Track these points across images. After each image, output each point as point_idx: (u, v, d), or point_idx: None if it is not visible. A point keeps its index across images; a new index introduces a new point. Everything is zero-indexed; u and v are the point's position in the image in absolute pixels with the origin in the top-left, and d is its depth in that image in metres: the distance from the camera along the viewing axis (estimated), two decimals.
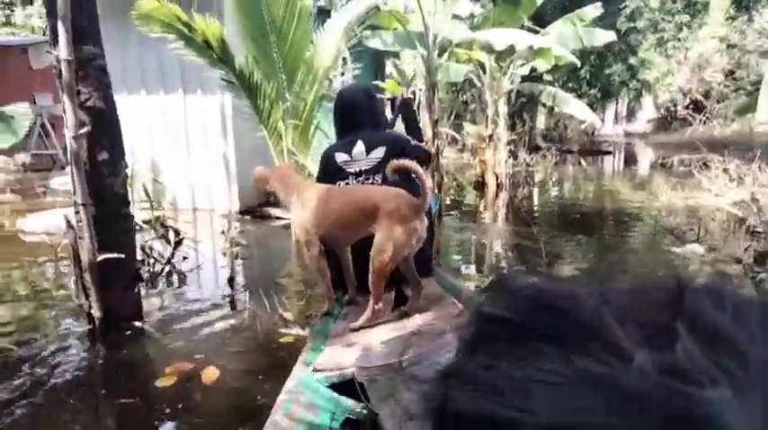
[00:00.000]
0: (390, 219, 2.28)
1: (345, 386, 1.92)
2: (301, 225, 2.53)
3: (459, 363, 0.34)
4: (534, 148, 18.70)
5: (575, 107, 9.49)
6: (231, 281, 3.88)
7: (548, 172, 12.42)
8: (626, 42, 13.35)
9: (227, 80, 5.32)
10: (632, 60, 16.69)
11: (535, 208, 8.65)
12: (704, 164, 10.22)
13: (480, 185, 9.36)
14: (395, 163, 2.29)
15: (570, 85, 15.85)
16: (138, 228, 4.39)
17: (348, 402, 1.91)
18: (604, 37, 8.89)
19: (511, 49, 7.33)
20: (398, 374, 1.65)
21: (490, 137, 9.12)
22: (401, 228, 2.26)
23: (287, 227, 5.56)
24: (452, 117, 16.49)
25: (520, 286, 0.36)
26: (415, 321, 2.30)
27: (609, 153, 18.99)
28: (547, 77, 17.64)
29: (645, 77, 18.98)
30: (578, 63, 7.54)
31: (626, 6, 10.88)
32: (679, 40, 13.89)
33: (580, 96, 16.30)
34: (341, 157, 2.73)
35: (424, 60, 7.60)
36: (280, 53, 5.05)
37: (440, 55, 7.68)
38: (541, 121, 22.98)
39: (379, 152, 2.69)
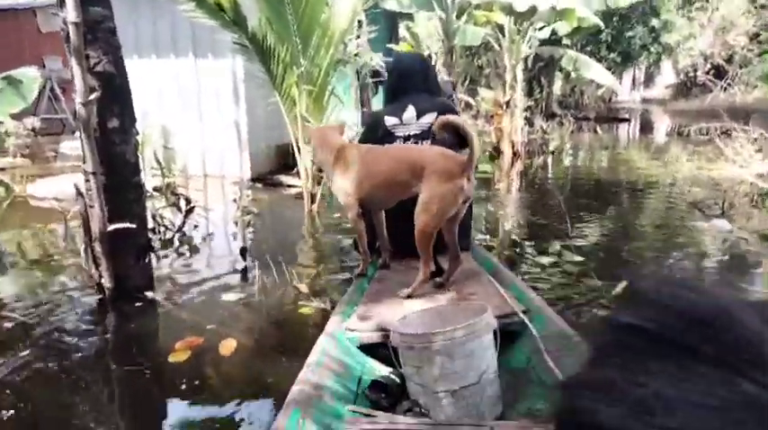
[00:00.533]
0: (437, 177, 2.24)
1: (375, 349, 1.92)
2: (341, 186, 2.54)
3: (594, 373, 0.33)
4: (550, 115, 18.38)
5: (596, 72, 9.21)
6: (243, 251, 3.80)
7: (564, 140, 12.16)
8: (649, 3, 12.88)
9: (239, 43, 5.15)
10: (654, 22, 16.15)
11: (553, 177, 8.47)
12: (725, 133, 9.94)
13: (496, 154, 9.17)
14: (442, 118, 2.29)
15: (589, 48, 15.39)
16: (148, 195, 4.31)
17: (378, 365, 1.92)
18: None
19: (533, 10, 7.06)
20: (433, 346, 1.64)
21: (507, 103, 8.89)
22: (447, 186, 2.22)
23: (299, 195, 5.46)
24: (467, 82, 16.18)
25: (663, 295, 0.34)
26: (451, 294, 2.27)
27: (626, 120, 18.60)
28: (566, 41, 17.22)
29: (666, 41, 18.42)
30: (602, 25, 7.27)
31: None
32: (707, 0, 13.35)
33: (599, 61, 15.87)
34: (390, 121, 2.73)
35: (441, 22, 7.35)
36: (294, 15, 4.86)
37: (458, 17, 7.42)
38: (558, 87, 22.53)
39: (430, 118, 2.68)
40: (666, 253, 4.36)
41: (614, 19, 12.23)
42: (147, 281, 3.25)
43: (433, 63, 3.21)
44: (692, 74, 26.06)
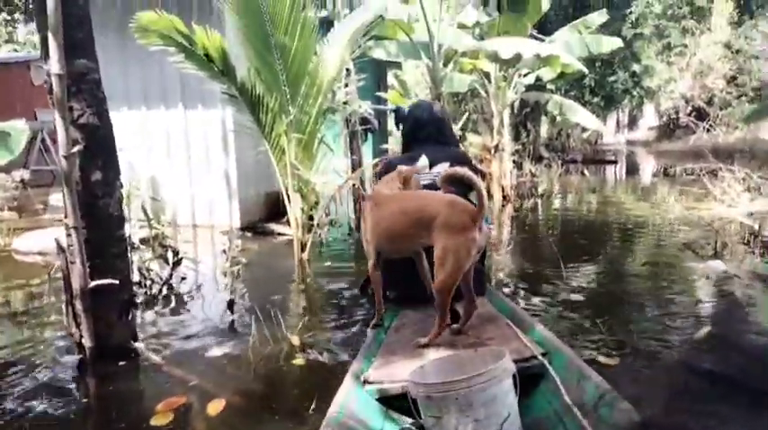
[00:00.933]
0: (447, 230, 2.20)
1: (395, 400, 1.90)
2: (363, 233, 2.60)
3: (670, 418, 0.37)
4: (538, 158, 18.57)
5: (581, 116, 9.31)
6: (231, 304, 3.66)
7: (553, 182, 12.21)
8: (630, 49, 13.21)
9: (228, 94, 5.14)
10: (635, 67, 16.54)
11: (544, 220, 8.44)
12: (712, 172, 10.02)
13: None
14: (448, 171, 2.28)
15: (573, 93, 15.69)
16: (135, 247, 4.19)
17: (398, 417, 1.90)
18: (611, 44, 8.72)
19: (518, 57, 7.15)
20: (452, 395, 1.63)
21: (495, 148, 8.93)
22: (459, 239, 2.17)
23: (289, 243, 5.36)
24: (455, 127, 16.37)
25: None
26: (469, 340, 2.24)
27: (613, 162, 18.79)
28: (550, 87, 17.57)
29: (648, 85, 18.83)
30: (586, 71, 7.37)
31: (631, 12, 10.72)
32: (685, 46, 13.71)
33: (584, 105, 16.15)
34: (451, 170, 2.71)
35: (429, 70, 7.43)
36: (283, 65, 4.87)
37: (445, 65, 7.51)
38: (544, 131, 22.84)
39: (443, 167, 2.67)
40: (663, 294, 4.27)
41: (597, 65, 12.49)
42: (131, 338, 3.10)
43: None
44: (674, 116, 26.56)
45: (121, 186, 3.04)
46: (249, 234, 6.79)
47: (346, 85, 6.46)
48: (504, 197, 9.05)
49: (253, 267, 5.42)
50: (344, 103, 6.47)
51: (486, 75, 9.04)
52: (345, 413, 1.76)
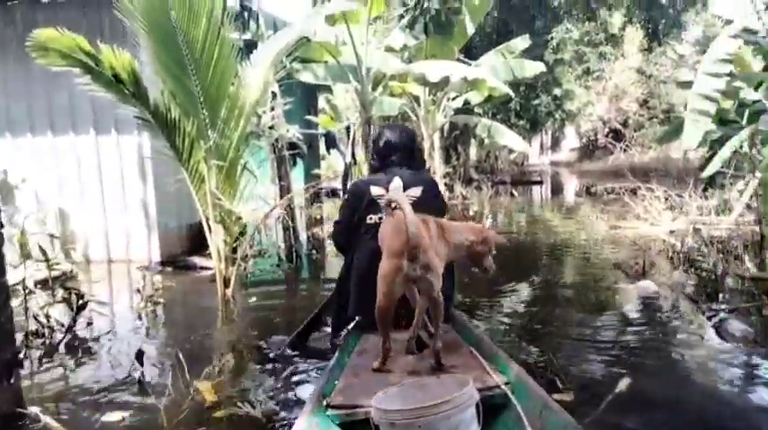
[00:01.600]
0: (385, 253, 2.21)
1: (357, 426, 1.88)
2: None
3: None
4: (468, 181, 18.78)
5: (509, 138, 9.38)
6: (140, 355, 3.20)
7: (483, 204, 12.28)
8: (552, 74, 13.62)
9: (141, 118, 4.71)
10: (557, 91, 17.10)
11: None
12: (632, 191, 10.33)
13: None
14: (386, 196, 2.33)
15: (500, 116, 16.01)
16: (28, 292, 3.69)
17: None
18: (534, 68, 8.86)
19: (446, 81, 7.09)
20: (415, 422, 1.64)
21: (427, 171, 8.81)
22: (389, 264, 2.16)
23: (214, 278, 4.95)
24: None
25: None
26: (432, 367, 2.22)
27: (539, 183, 19.27)
28: (478, 110, 17.83)
29: (569, 108, 19.52)
30: (512, 94, 7.40)
31: (552, 38, 11.03)
32: (602, 71, 14.32)
33: (510, 128, 16.49)
34: (376, 191, 2.71)
35: (357, 94, 7.23)
36: (200, 87, 4.50)
37: (374, 88, 7.34)
38: (473, 153, 23.23)
39: (416, 191, 2.69)
40: (594, 316, 4.18)
41: (521, 88, 12.76)
42: (16, 404, 2.63)
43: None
44: (593, 137, 27.77)
45: (2, 226, 2.59)
46: (170, 269, 6.29)
47: (272, 109, 6.16)
48: None
49: (172, 306, 4.97)
50: (270, 127, 6.15)
51: (416, 98, 8.97)
52: None
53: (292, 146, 6.64)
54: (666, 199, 8.04)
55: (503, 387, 2.00)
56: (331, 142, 8.54)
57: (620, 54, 18.04)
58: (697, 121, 8.76)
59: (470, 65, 8.21)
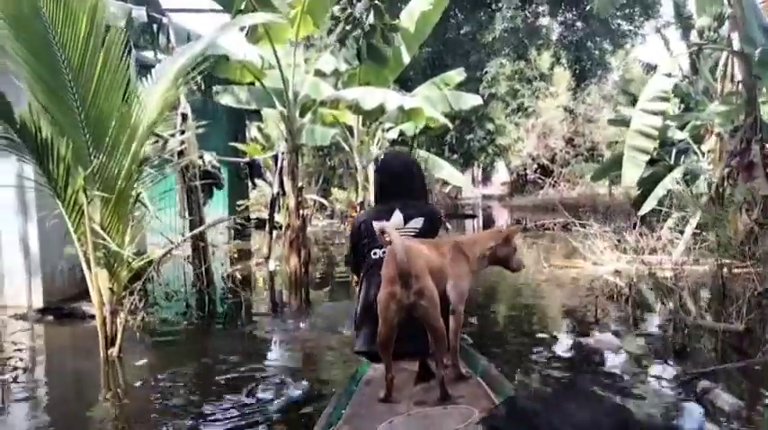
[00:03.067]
0: (384, 280, 2.19)
1: None
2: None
3: None
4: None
5: (446, 172, 8.83)
6: None
7: None
8: (485, 108, 13.38)
9: (5, 137, 3.74)
10: (490, 126, 16.97)
11: None
12: (564, 226, 10.01)
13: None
14: (376, 226, 2.32)
15: (434, 150, 15.64)
16: None
17: None
18: (472, 101, 8.39)
19: (380, 109, 6.44)
20: None
21: (361, 204, 8.09)
22: (384, 290, 2.15)
23: None
24: (320, 182, 15.50)
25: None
26: (438, 398, 2.14)
27: (473, 216, 18.98)
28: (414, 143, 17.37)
29: (501, 142, 19.51)
30: (450, 125, 6.85)
31: (486, 72, 10.72)
32: (533, 109, 14.24)
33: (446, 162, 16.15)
34: (378, 226, 2.53)
35: (284, 120, 6.45)
36: (80, 101, 3.60)
37: (302, 114, 6.59)
38: None
39: (417, 223, 2.65)
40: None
41: (456, 122, 12.40)
42: None
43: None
44: (522, 172, 28.07)
45: None
46: (51, 317, 5.18)
47: (182, 132, 5.27)
48: None
49: (47, 367, 3.93)
50: (180, 152, 5.26)
51: (350, 128, 8.28)
52: None
53: (207, 175, 5.76)
54: (620, 241, 7.63)
55: None
56: (255, 171, 7.68)
57: (549, 93, 18.23)
58: (635, 158, 8.56)
59: (406, 95, 7.62)
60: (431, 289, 2.15)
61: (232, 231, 10.79)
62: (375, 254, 2.61)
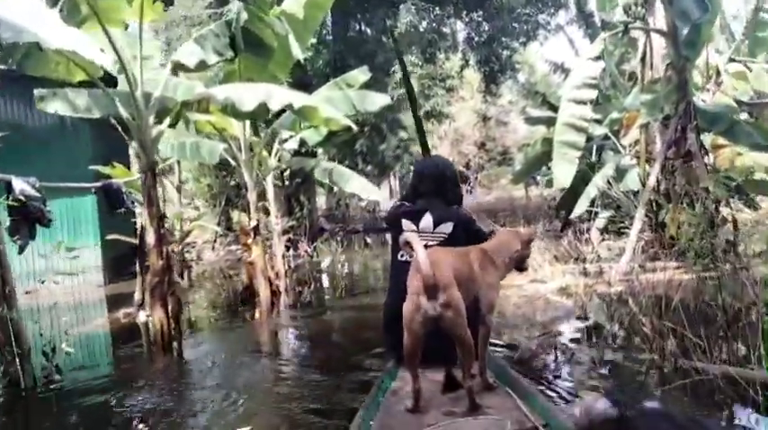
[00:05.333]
0: (408, 292, 2.17)
1: None
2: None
3: None
4: (320, 231, 16.67)
5: (358, 184, 7.39)
6: None
7: (335, 259, 10.18)
8: (397, 114, 12.18)
9: None
10: (403, 134, 15.83)
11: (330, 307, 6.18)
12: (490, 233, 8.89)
13: (249, 297, 6.57)
14: (402, 238, 2.31)
15: (346, 162, 14.25)
16: None
17: None
18: (379, 100, 7.01)
19: (263, 109, 4.91)
20: None
21: (255, 229, 6.48)
22: (409, 303, 2.12)
23: None
24: (222, 204, 13.67)
25: None
26: (468, 409, 2.11)
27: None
28: (322, 155, 15.87)
29: (415, 150, 18.49)
30: (354, 126, 5.45)
31: (394, 72, 9.49)
32: (447, 114, 13.24)
33: (358, 173, 14.75)
34: (407, 225, 2.69)
35: (133, 130, 4.78)
36: None
37: (159, 121, 4.93)
38: (323, 202, 21.23)
39: (447, 227, 2.65)
40: None
41: (366, 130, 11.10)
42: None
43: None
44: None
45: None
46: None
47: None
48: (273, 292, 6.56)
49: None
50: None
51: (236, 139, 6.68)
52: None
53: (19, 208, 4.02)
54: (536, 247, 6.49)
55: (540, 428, 1.92)
56: (114, 199, 5.89)
57: (460, 97, 17.41)
58: (566, 155, 7.50)
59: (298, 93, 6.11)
60: (457, 300, 2.10)
61: (106, 272, 8.82)
62: (402, 256, 2.63)
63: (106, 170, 7.30)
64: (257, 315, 6.18)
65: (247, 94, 4.90)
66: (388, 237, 15.44)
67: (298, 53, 6.46)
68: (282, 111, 5.94)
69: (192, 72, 5.20)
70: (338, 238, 14.43)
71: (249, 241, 6.53)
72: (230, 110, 5.14)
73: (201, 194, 15.39)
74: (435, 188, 2.77)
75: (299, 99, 5.16)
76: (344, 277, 8.78)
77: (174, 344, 4.79)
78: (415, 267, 2.12)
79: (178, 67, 5.04)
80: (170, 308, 4.77)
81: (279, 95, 5.04)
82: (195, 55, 5.06)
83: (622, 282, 5.56)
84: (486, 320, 2.31)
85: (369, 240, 16.00)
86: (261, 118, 5.68)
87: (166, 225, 8.40)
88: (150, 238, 4.81)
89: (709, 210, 6.43)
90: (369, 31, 10.87)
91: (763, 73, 9.56)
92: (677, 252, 6.05)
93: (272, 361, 4.47)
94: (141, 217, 6.50)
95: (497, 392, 2.29)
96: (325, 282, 8.86)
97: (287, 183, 11.92)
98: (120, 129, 4.89)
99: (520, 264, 2.55)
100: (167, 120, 4.93)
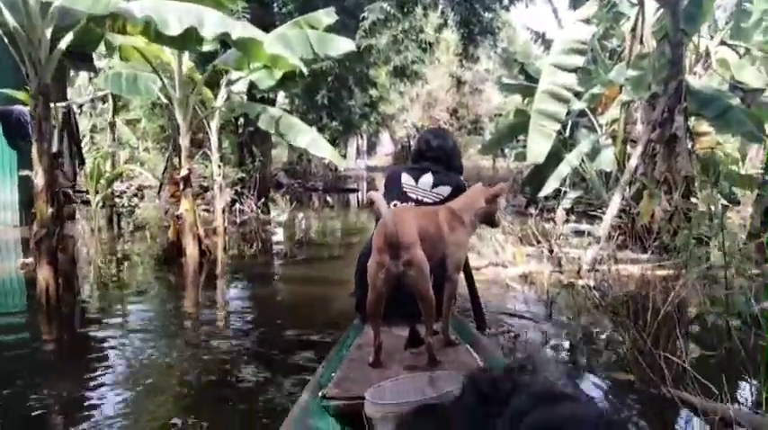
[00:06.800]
0: (372, 249, 2.16)
1: (351, 418, 1.84)
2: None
3: None
4: (276, 186, 15.69)
5: (310, 139, 6.48)
6: None
7: (289, 218, 9.33)
8: (365, 69, 11.16)
9: None
10: (372, 92, 14.80)
11: (270, 279, 5.38)
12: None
13: (175, 255, 5.68)
14: (367, 195, 2.35)
15: (311, 116, 13.20)
16: None
17: None
18: (343, 45, 6.07)
19: (193, 35, 3.97)
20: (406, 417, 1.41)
21: (185, 180, 5.56)
22: (372, 260, 2.13)
23: None
24: (172, 147, 12.52)
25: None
26: (428, 364, 2.15)
27: (355, 191, 16.92)
28: (286, 108, 14.76)
29: (384, 111, 17.52)
30: (304, 69, 4.55)
31: (365, 18, 8.45)
32: (418, 74, 12.31)
33: (321, 129, 13.72)
34: (406, 179, 2.76)
35: (21, 44, 3.77)
36: None
37: (57, 39, 3.93)
38: (285, 155, 20.11)
39: (444, 190, 2.72)
40: None
41: (329, 80, 10.08)
42: None
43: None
44: (407, 143, 26.47)
45: None
46: None
47: None
48: (201, 252, 5.71)
49: None
50: None
51: (169, 73, 5.68)
52: (300, 424, 1.76)
53: None
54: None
55: None
56: (16, 130, 4.87)
57: (435, 58, 16.43)
58: (543, 127, 6.73)
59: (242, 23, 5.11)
60: (420, 259, 2.11)
61: (23, 211, 7.76)
62: (396, 205, 2.66)
63: (20, 95, 6.19)
64: (179, 277, 5.34)
65: (173, 15, 3.94)
66: (352, 197, 14.57)
67: None
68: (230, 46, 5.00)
69: None
70: (295, 195, 13.55)
71: (176, 192, 5.63)
72: (153, 33, 4.17)
73: (154, 135, 14.16)
74: (440, 155, 2.84)
75: (239, 29, 4.22)
76: (296, 240, 7.98)
77: (64, 309, 3.94)
78: (379, 225, 2.15)
79: None
80: (58, 266, 3.89)
81: (213, 21, 4.10)
82: None
83: (591, 272, 4.94)
84: (452, 278, 2.34)
85: (330, 200, 15.19)
86: (191, 47, 4.70)
87: (89, 164, 7.41)
88: (39, 180, 3.88)
89: (689, 201, 5.85)
90: None
91: (747, 64, 9.01)
92: (653, 245, 5.45)
93: (168, 344, 3.59)
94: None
95: (458, 349, 2.33)
96: (274, 244, 8.01)
97: (240, 130, 10.87)
98: (6, 41, 3.85)
99: (488, 221, 2.53)
100: (68, 37, 3.91)
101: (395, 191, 2.72)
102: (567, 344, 3.43)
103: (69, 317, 3.99)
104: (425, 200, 2.69)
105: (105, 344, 3.45)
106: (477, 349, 2.32)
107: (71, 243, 4.03)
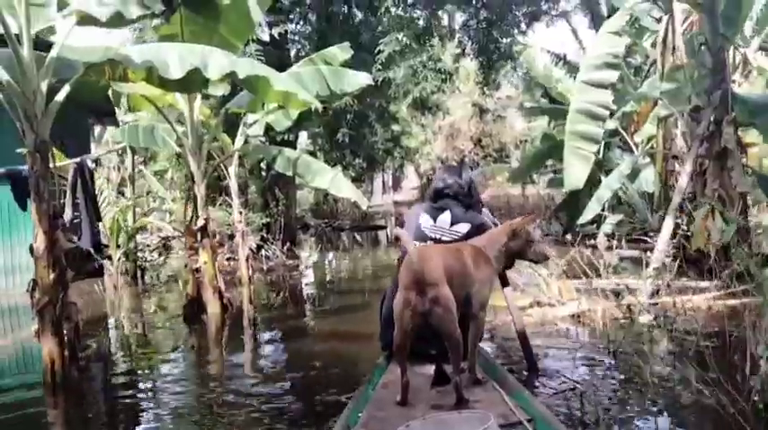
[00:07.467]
0: (399, 286, 2.18)
1: None
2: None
3: None
4: (304, 227, 15.41)
5: (324, 178, 6.08)
6: None
7: (314, 262, 8.94)
8: (384, 103, 10.87)
9: None
10: (395, 127, 14.53)
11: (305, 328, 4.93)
12: None
13: (193, 314, 5.29)
14: (394, 231, 2.58)
15: (335, 155, 12.95)
16: None
17: None
18: (360, 80, 5.75)
19: (198, 77, 3.67)
20: None
21: (203, 230, 5.23)
22: (399, 298, 2.13)
23: None
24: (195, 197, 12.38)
25: None
26: (455, 402, 2.11)
27: (383, 227, 16.52)
28: (308, 146, 14.58)
29: (407, 145, 17.24)
30: (318, 104, 4.22)
31: (381, 51, 8.20)
32: (439, 105, 12.01)
33: (345, 167, 13.44)
34: (425, 221, 2.79)
35: (17, 98, 3.51)
36: None
37: (53, 91, 3.66)
38: (311, 196, 19.90)
39: (463, 227, 2.73)
40: None
41: (349, 117, 9.82)
42: None
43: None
44: (432, 176, 26.11)
45: None
46: None
47: None
48: (223, 307, 5.32)
49: None
50: None
51: (179, 115, 5.43)
52: None
53: None
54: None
55: (525, 423, 1.92)
56: (26, 189, 4.64)
57: (455, 88, 16.16)
58: (580, 149, 6.22)
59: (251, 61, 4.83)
60: (446, 296, 2.10)
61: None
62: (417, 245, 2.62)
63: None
64: (201, 337, 4.93)
65: (173, 57, 3.65)
66: (380, 234, 14.12)
67: (257, 15, 5.21)
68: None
69: (106, 27, 3.91)
70: (323, 236, 13.20)
71: (194, 243, 5.29)
72: (156, 78, 3.89)
73: (180, 185, 14.13)
74: (457, 191, 2.83)
75: (246, 67, 3.91)
76: (326, 284, 7.52)
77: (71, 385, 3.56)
78: (406, 262, 2.13)
79: (84, 20, 3.76)
80: (64, 337, 3.54)
81: (218, 61, 3.80)
82: (107, 6, 3.77)
83: (651, 306, 4.35)
84: (477, 316, 2.31)
85: (359, 238, 14.80)
86: (197, 89, 4.41)
87: (107, 219, 7.18)
88: (39, 243, 3.57)
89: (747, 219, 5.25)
90: (355, 10, 9.59)
91: None
92: (713, 270, 4.84)
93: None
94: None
95: (486, 387, 2.29)
96: (303, 289, 7.59)
97: (263, 175, 10.65)
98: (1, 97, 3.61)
99: (522, 256, 2.50)
100: (66, 89, 3.65)
101: (414, 232, 2.74)
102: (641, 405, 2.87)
103: (77, 396, 3.59)
104: (444, 238, 2.73)
105: None
106: (504, 387, 2.28)
107: (74, 311, 3.67)
